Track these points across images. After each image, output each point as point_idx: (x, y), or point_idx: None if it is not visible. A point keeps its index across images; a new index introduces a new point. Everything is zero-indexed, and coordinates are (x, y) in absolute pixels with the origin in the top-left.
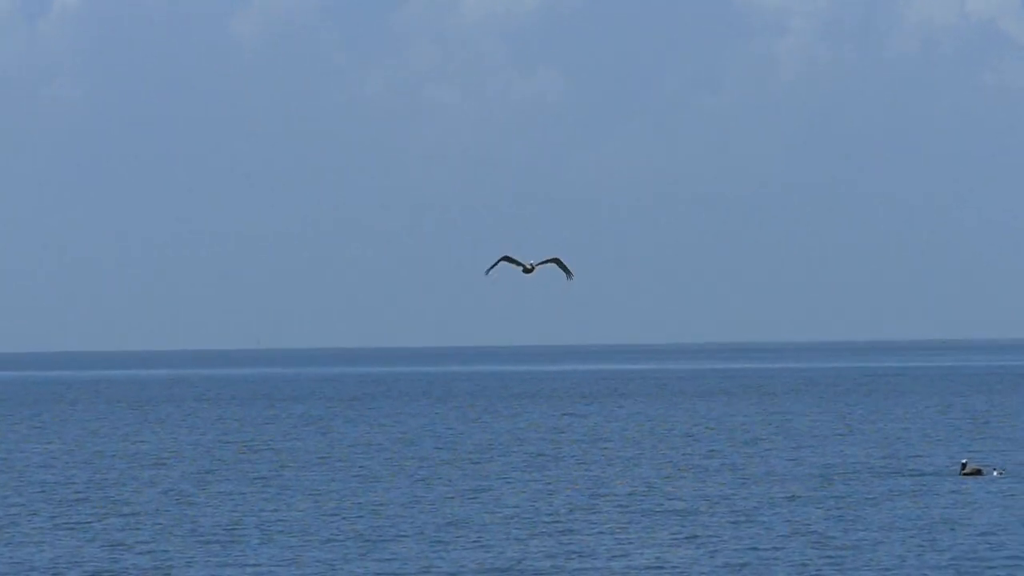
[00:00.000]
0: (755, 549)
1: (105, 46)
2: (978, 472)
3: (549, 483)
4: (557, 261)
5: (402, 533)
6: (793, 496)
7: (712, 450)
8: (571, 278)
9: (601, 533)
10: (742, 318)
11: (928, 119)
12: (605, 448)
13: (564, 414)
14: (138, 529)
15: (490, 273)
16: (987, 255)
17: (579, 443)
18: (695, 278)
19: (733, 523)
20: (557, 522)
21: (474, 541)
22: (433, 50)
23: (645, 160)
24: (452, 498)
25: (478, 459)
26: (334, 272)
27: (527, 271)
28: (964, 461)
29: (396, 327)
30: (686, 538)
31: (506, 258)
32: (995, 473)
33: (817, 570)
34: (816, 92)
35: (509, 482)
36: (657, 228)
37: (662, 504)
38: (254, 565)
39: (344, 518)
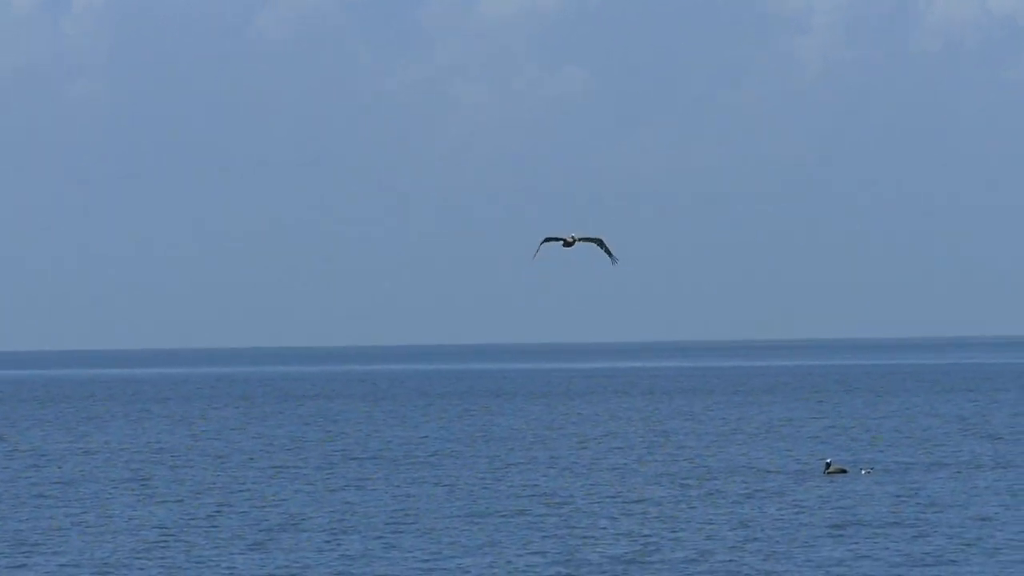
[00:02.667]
0: (584, 541)
1: (128, 42)
2: (843, 471)
3: (402, 484)
4: (600, 243)
5: (232, 534)
6: (644, 498)
7: (615, 447)
8: (615, 262)
9: (417, 533)
10: (767, 315)
11: (951, 116)
12: (504, 446)
13: (500, 414)
14: None
15: (536, 257)
16: (1012, 252)
17: (491, 442)
18: (717, 275)
19: (573, 521)
20: (390, 523)
21: (297, 544)
22: (457, 47)
23: (668, 157)
24: (297, 496)
25: (364, 459)
26: (358, 268)
27: (568, 244)
28: (828, 460)
29: (422, 324)
30: (500, 538)
31: (547, 239)
32: (863, 472)
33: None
34: (839, 90)
35: (368, 483)
36: (681, 224)
37: (495, 503)
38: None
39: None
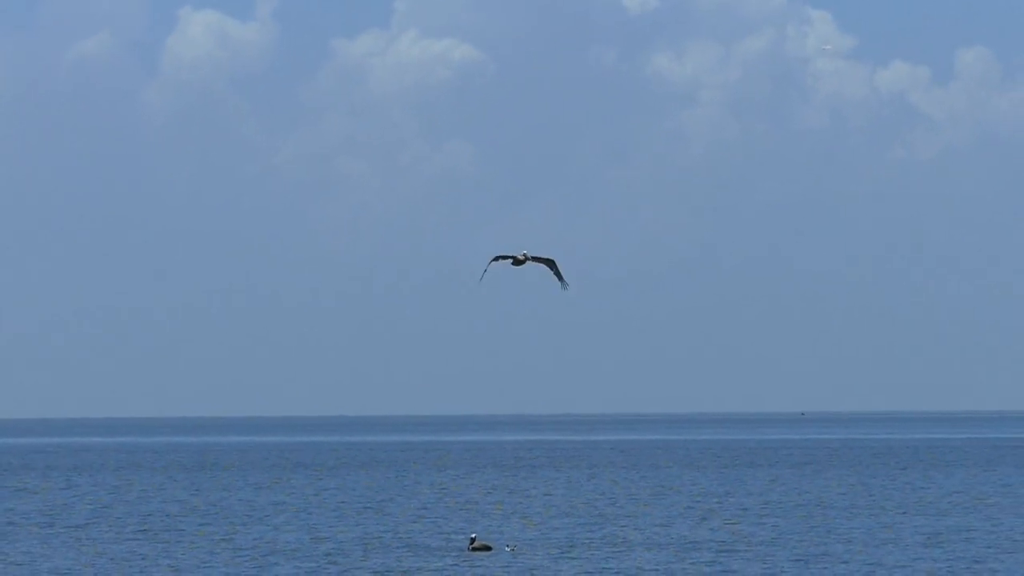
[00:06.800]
0: None
1: (14, 116)
2: (487, 548)
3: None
4: (552, 265)
5: None
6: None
7: (251, 523)
8: (565, 287)
9: None
10: (647, 390)
11: (838, 192)
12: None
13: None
14: None
15: (483, 278)
16: (897, 327)
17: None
18: (606, 350)
19: None
20: None
21: None
22: (344, 122)
23: (556, 232)
24: None
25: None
26: (243, 343)
27: (518, 263)
28: (472, 536)
29: (306, 397)
30: None
31: (496, 258)
32: (508, 549)
33: None
34: (726, 165)
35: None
36: (568, 299)
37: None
38: None
39: None
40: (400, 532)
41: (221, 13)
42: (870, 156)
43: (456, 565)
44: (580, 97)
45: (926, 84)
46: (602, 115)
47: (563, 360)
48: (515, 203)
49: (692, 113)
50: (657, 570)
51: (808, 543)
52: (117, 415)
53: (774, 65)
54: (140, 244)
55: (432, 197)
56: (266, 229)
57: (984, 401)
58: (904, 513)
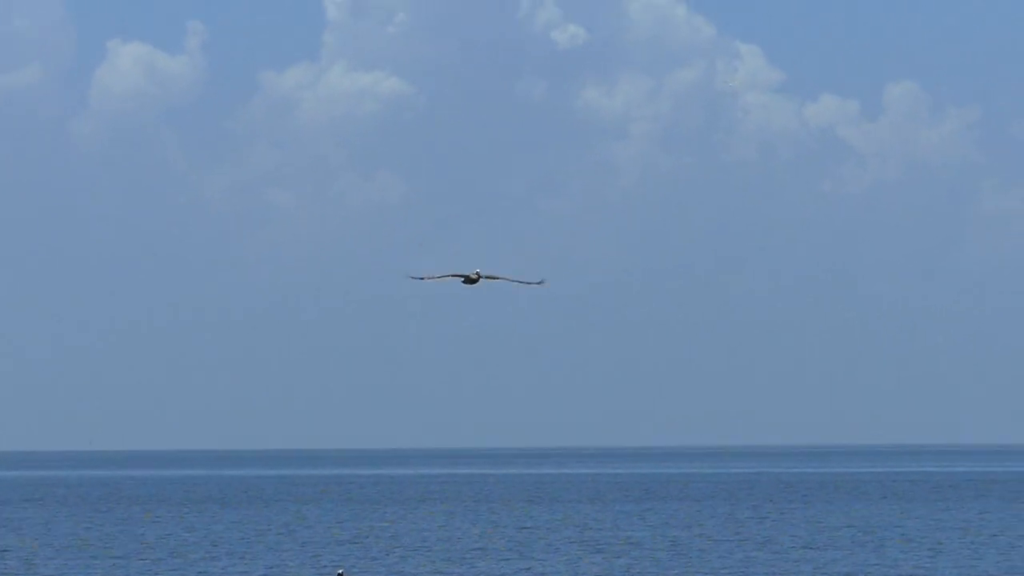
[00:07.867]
0: None
1: None
2: None
3: None
4: (520, 282)
5: None
6: None
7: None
8: (541, 283)
9: None
10: (575, 421)
11: (768, 225)
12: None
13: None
14: None
15: (425, 278)
16: (824, 360)
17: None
18: (534, 380)
19: None
20: None
21: None
22: (273, 154)
23: (486, 263)
24: None
25: None
26: (172, 374)
27: (470, 281)
28: (340, 571)
29: (231, 429)
30: None
31: (450, 275)
32: None
33: None
34: (656, 196)
35: None
36: (498, 329)
37: None
38: None
39: None
40: (280, 568)
41: (150, 46)
42: (799, 189)
43: None
44: (509, 129)
45: (855, 118)
46: (532, 147)
47: (484, 392)
48: (445, 234)
49: (622, 145)
50: None
51: None
52: (34, 448)
53: (704, 98)
54: (66, 275)
55: (361, 229)
56: (195, 260)
57: (911, 435)
58: (794, 547)
